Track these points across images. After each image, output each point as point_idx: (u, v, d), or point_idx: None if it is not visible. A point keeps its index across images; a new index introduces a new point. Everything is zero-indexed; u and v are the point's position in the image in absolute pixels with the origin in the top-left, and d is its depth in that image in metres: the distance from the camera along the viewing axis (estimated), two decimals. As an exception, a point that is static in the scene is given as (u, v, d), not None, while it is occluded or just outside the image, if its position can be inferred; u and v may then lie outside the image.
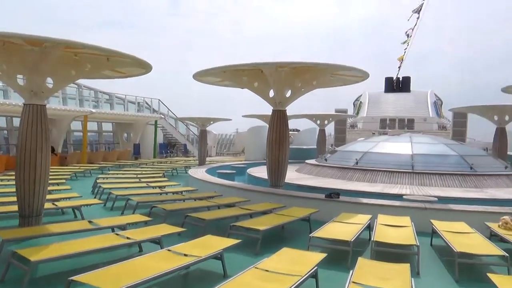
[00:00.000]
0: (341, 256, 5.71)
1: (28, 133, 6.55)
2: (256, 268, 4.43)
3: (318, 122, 21.52)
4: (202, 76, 10.91)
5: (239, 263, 5.36)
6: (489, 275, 4.29)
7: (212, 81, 11.82)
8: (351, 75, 10.47)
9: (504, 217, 6.84)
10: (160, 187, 11.13)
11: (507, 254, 5.20)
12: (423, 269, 5.59)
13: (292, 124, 33.39)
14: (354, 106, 46.14)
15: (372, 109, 42.14)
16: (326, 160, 14.27)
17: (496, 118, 16.79)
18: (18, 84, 6.80)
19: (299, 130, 31.30)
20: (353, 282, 4.03)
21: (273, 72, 9.77)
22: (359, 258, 4.86)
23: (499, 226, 6.81)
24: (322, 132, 21.35)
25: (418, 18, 31.83)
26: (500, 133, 16.67)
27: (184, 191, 10.91)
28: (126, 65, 7.53)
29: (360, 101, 45.03)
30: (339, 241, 5.88)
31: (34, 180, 6.58)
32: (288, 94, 10.37)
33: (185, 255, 4.92)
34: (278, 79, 9.95)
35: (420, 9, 31.39)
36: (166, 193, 10.56)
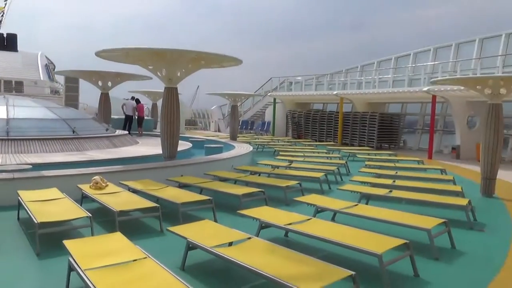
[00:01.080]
0: None
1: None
2: None
3: None
4: None
5: None
6: (64, 241, 4.01)
7: None
8: None
9: (94, 177, 6.94)
10: None
11: (90, 215, 5.16)
12: (4, 249, 4.77)
13: None
14: None
15: (-32, 67, 34.96)
16: None
17: (100, 83, 17.49)
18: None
19: None
20: None
21: None
22: None
23: (90, 187, 6.86)
24: None
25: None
26: (104, 98, 17.56)
27: None
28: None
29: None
30: None
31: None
32: None
33: None
34: None
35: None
36: None
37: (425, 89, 16.14)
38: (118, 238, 4.26)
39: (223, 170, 9.94)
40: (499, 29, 17.15)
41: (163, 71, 9.56)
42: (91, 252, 3.83)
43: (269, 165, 11.52)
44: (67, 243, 3.98)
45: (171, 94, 9.75)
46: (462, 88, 12.88)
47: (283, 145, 18.83)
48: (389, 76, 20.47)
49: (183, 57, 9.44)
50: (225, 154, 12.02)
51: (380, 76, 20.96)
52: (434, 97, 15.98)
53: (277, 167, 11.10)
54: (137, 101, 19.08)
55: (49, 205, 5.63)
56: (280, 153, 14.83)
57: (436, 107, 16.59)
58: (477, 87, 9.06)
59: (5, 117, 10.96)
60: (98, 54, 9.44)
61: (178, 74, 9.73)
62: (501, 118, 8.79)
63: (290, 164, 11.53)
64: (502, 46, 16.61)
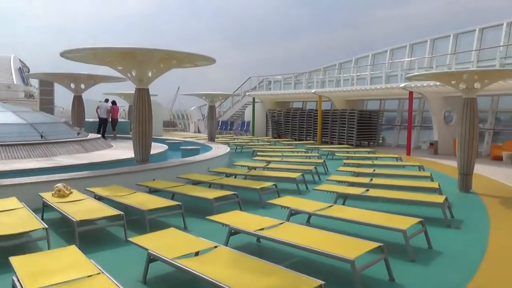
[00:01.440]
0: None
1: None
2: None
3: None
4: None
5: None
6: (11, 258, 3.66)
7: None
8: None
9: (57, 185, 6.55)
10: None
11: (46, 226, 4.80)
12: None
13: None
14: None
15: None
16: None
17: (73, 86, 16.92)
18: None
19: None
20: None
21: None
22: None
23: (53, 195, 6.47)
24: None
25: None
26: (77, 101, 17.00)
27: None
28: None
29: None
30: None
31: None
32: None
33: None
34: None
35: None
36: None
37: (402, 85, 16.13)
38: (72, 252, 3.93)
39: (198, 173, 9.64)
40: (473, 23, 17.33)
41: (133, 72, 9.19)
42: (40, 268, 3.50)
43: (245, 166, 11.25)
44: (14, 259, 3.64)
45: (142, 96, 9.38)
46: (438, 83, 12.88)
47: (262, 145, 18.59)
48: (367, 73, 20.47)
49: (153, 57, 9.08)
50: (200, 156, 11.69)
51: (358, 74, 20.95)
52: (411, 93, 16.00)
53: (254, 168, 10.85)
54: (113, 102, 18.54)
55: (3, 217, 5.23)
56: (258, 153, 14.59)
57: (413, 103, 16.63)
58: (452, 82, 9.00)
59: (-33, 123, 10.41)
60: (63, 55, 9.00)
61: (149, 75, 9.36)
62: (476, 113, 8.75)
63: (267, 165, 11.29)
64: (476, 41, 16.77)
